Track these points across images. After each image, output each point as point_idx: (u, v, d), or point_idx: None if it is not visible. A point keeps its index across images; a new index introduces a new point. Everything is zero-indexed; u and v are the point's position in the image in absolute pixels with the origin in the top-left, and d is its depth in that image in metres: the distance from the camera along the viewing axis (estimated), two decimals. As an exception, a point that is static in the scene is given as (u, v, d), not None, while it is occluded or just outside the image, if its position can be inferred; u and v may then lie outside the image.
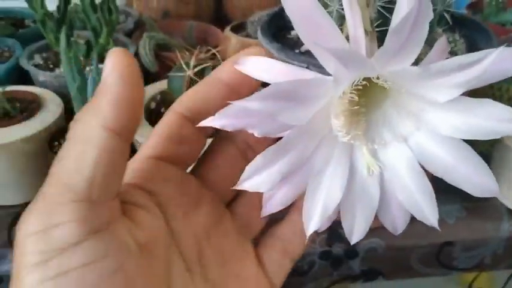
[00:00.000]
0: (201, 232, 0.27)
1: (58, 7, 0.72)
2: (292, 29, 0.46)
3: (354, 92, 0.24)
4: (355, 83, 0.23)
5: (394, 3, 0.22)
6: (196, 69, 0.56)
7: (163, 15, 0.88)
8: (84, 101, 0.54)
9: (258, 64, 0.24)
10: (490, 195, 0.24)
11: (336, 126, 0.24)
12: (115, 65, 0.21)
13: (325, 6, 0.39)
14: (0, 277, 0.53)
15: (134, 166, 0.26)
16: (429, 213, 0.25)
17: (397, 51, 0.21)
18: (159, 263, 0.24)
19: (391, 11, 0.28)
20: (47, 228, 0.20)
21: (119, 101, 0.21)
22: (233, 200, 0.29)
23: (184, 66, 0.57)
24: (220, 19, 0.94)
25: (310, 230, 0.25)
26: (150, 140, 0.26)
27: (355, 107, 0.25)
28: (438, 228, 0.25)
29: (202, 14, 0.91)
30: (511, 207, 0.61)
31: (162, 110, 0.64)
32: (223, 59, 0.60)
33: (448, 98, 0.22)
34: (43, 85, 0.68)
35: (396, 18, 0.22)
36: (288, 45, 0.45)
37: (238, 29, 0.79)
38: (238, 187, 0.24)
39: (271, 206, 0.26)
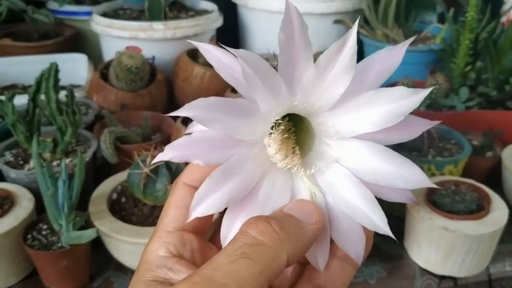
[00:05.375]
0: None
1: (27, 110, 0.81)
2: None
3: (282, 122, 0.27)
4: (280, 113, 0.27)
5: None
6: (151, 167, 0.67)
7: (121, 107, 0.98)
8: (56, 202, 0.63)
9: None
10: (421, 185, 0.27)
11: (270, 152, 0.27)
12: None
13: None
14: None
15: (164, 241, 0.28)
16: (377, 219, 0.26)
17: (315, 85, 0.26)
18: None
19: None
20: None
21: None
22: None
23: (141, 164, 0.67)
24: (173, 108, 1.05)
25: None
26: (169, 213, 0.28)
27: (288, 137, 0.28)
28: (392, 235, 0.26)
29: (156, 104, 1.02)
30: (422, 265, 0.73)
31: (123, 200, 0.74)
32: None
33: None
34: (14, 181, 0.76)
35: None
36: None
37: (188, 120, 0.90)
38: (190, 218, 0.26)
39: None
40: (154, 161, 0.26)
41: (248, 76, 0.25)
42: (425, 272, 0.73)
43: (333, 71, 0.26)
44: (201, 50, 0.26)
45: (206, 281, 0.22)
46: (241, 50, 0.25)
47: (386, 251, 0.75)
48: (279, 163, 0.28)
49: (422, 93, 0.26)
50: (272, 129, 0.28)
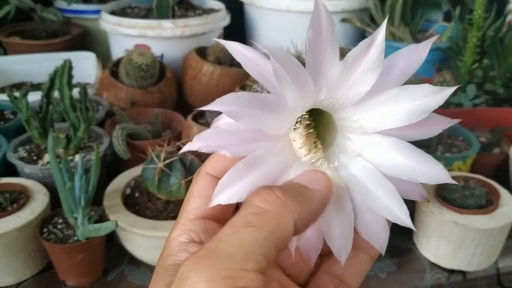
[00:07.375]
0: None
1: (40, 107, 0.82)
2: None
3: (306, 117, 0.28)
4: (306, 108, 0.28)
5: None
6: (166, 162, 0.68)
7: (131, 104, 0.99)
8: (73, 196, 0.64)
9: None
10: (442, 181, 0.27)
11: (296, 147, 0.28)
12: None
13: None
14: None
15: (187, 228, 0.28)
16: (399, 211, 0.27)
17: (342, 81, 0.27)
18: None
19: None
20: None
21: None
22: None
23: (155, 159, 0.68)
24: (182, 105, 1.06)
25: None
26: (192, 201, 0.29)
27: (311, 132, 0.29)
28: (413, 227, 0.27)
29: (166, 101, 1.02)
30: (431, 259, 0.74)
31: (137, 194, 0.74)
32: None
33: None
34: (29, 176, 0.77)
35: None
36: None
37: (198, 116, 0.91)
38: (212, 204, 0.26)
39: None
40: (183, 149, 0.27)
41: (278, 72, 0.25)
42: (434, 266, 0.74)
43: (360, 67, 0.27)
44: (227, 48, 0.27)
45: (212, 253, 0.22)
46: (271, 47, 0.25)
47: (396, 245, 0.76)
48: (303, 157, 0.28)
49: (447, 91, 0.26)
50: (296, 123, 0.28)
